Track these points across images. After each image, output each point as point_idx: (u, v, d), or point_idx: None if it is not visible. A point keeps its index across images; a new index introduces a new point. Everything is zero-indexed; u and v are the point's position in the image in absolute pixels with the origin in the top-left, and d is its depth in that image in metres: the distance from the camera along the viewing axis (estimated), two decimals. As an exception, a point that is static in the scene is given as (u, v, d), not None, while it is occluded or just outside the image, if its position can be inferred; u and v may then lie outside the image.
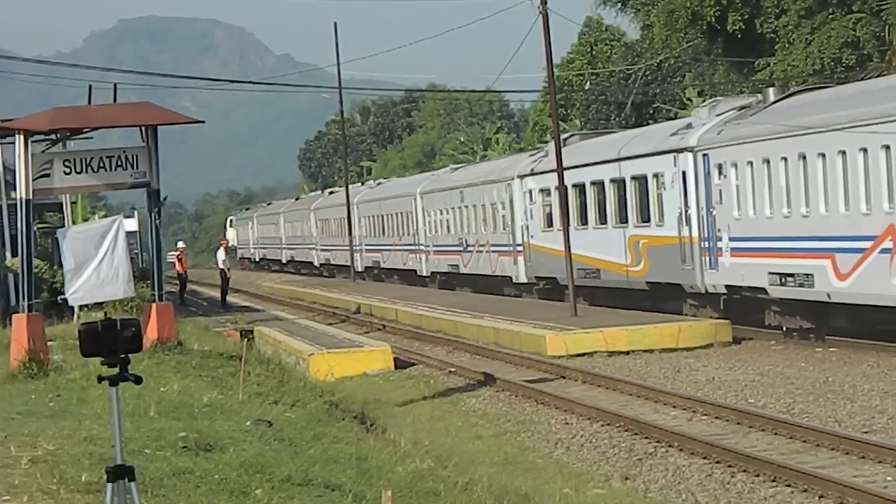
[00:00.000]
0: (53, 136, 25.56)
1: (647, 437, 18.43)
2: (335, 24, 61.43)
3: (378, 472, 13.06)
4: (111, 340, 7.48)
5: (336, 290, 53.95)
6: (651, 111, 65.30)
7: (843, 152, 25.64)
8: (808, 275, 27.01)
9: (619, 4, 60.88)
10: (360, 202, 65.97)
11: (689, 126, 32.96)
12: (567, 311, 33.61)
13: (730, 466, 16.10)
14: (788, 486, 14.89)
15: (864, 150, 24.97)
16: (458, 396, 24.20)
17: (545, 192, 41.18)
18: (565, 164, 35.28)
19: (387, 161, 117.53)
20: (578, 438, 19.13)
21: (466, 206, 49.59)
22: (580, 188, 38.14)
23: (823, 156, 26.30)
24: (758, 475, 15.50)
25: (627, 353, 28.51)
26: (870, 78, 35.58)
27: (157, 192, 23.14)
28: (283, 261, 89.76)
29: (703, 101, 60.13)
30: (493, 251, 46.50)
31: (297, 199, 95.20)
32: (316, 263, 77.84)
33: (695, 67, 60.28)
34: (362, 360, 28.61)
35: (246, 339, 27.06)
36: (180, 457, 12.48)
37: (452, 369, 27.98)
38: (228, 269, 55.53)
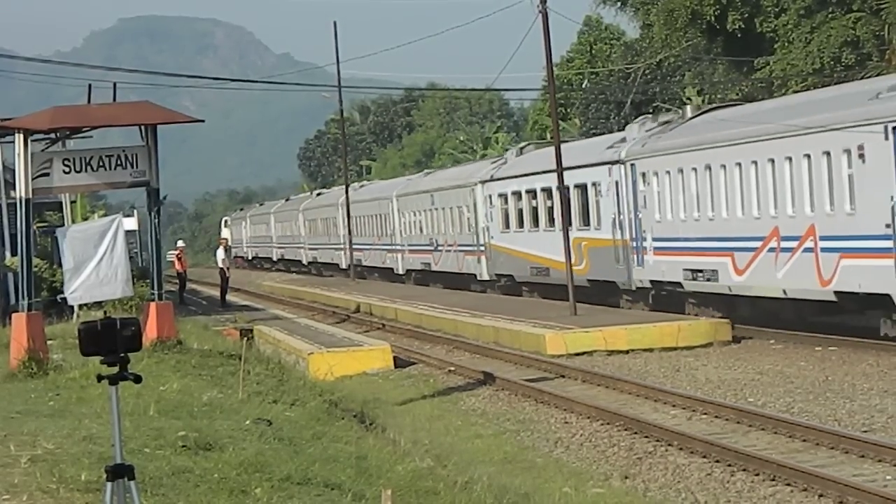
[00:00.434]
0: (53, 136, 25.59)
1: (646, 436, 18.43)
2: (335, 23, 61.45)
3: (378, 471, 13.06)
4: (111, 339, 7.48)
5: (336, 290, 53.95)
6: (650, 110, 65.27)
7: (739, 164, 29.56)
8: (713, 271, 30.76)
9: (619, 3, 60.84)
10: (343, 203, 68.02)
11: (622, 140, 36.52)
12: (567, 310, 33.62)
13: (729, 465, 16.10)
14: (788, 485, 14.89)
15: (755, 163, 28.94)
16: (458, 395, 24.21)
17: (503, 196, 44.98)
18: (521, 172, 40.81)
19: (386, 160, 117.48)
20: (578, 437, 19.13)
21: (436, 209, 53.08)
22: (532, 194, 42.05)
23: (724, 167, 30.20)
24: (757, 474, 15.50)
25: (627, 352, 28.51)
26: (870, 77, 35.68)
27: (157, 192, 23.15)
28: (274, 259, 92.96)
29: (703, 101, 60.30)
30: (460, 250, 50.04)
31: (286, 199, 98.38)
32: (304, 261, 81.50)
33: (694, 66, 60.27)
34: (362, 359, 28.61)
35: (245, 338, 27.13)
36: (180, 456, 12.48)
37: (452, 368, 27.98)
38: (228, 269, 55.53)
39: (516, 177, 43.98)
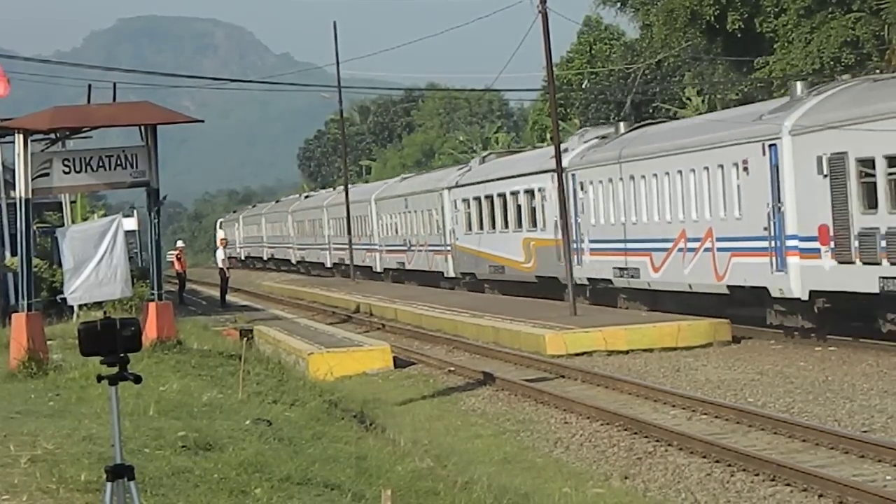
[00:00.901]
0: (53, 136, 25.58)
1: (646, 437, 18.43)
2: (334, 23, 61.46)
3: (377, 471, 13.06)
4: (110, 340, 7.47)
5: (335, 290, 53.97)
6: (650, 110, 65.29)
7: (655, 175, 33.87)
8: (636, 269, 34.98)
9: (619, 4, 60.88)
10: (329, 206, 74.17)
11: (565, 150, 39.21)
12: (566, 310, 33.63)
13: (729, 465, 16.10)
14: (788, 485, 14.89)
15: (668, 174, 33.22)
16: (458, 396, 24.21)
17: (466, 201, 49.56)
18: (481, 179, 46.18)
19: (386, 160, 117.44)
20: (578, 438, 19.13)
21: (410, 212, 57.45)
22: (490, 199, 46.56)
23: (644, 177, 34.53)
24: (757, 474, 15.50)
25: (627, 352, 28.52)
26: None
27: (157, 192, 23.13)
28: (265, 258, 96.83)
29: (703, 100, 60.31)
30: (430, 250, 54.46)
31: (277, 201, 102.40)
32: (293, 261, 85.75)
33: (694, 66, 60.29)
34: (362, 359, 28.60)
35: (245, 339, 27.13)
36: (179, 456, 12.48)
37: (452, 368, 27.98)
38: (228, 269, 55.50)
39: (477, 183, 48.18)
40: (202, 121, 25.88)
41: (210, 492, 11.02)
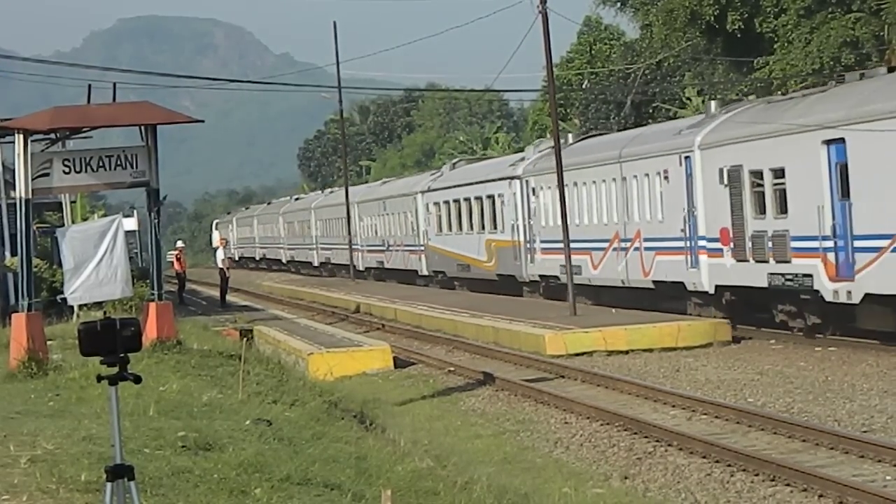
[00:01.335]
0: (53, 136, 25.59)
1: (646, 437, 18.43)
2: (334, 23, 61.43)
3: (377, 471, 13.06)
4: (110, 340, 7.47)
5: (335, 290, 54.02)
6: (650, 110, 65.30)
7: (594, 182, 37.84)
8: (579, 266, 37.55)
9: (619, 4, 60.82)
10: (316, 207, 78.56)
11: (522, 159, 45.01)
12: (566, 310, 33.64)
13: (729, 466, 16.10)
14: (788, 485, 14.89)
15: (604, 181, 37.12)
16: (458, 396, 24.20)
17: (437, 204, 53.49)
18: (451, 184, 51.08)
19: (386, 160, 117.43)
20: (578, 438, 19.13)
21: (388, 214, 61.34)
22: (458, 202, 50.53)
23: (585, 184, 38.47)
24: (757, 474, 15.50)
25: (627, 352, 28.52)
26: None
27: (157, 192, 23.14)
28: (257, 258, 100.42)
29: (703, 101, 60.25)
30: (406, 250, 58.40)
31: (268, 203, 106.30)
32: (283, 260, 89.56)
33: (694, 67, 60.26)
34: (361, 359, 28.60)
35: (245, 339, 27.12)
36: (179, 456, 12.48)
37: (452, 369, 27.98)
38: (228, 269, 55.47)
39: (447, 188, 52.25)
40: (202, 121, 25.88)
41: (210, 492, 11.02)
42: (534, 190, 42.31)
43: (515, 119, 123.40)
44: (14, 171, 24.56)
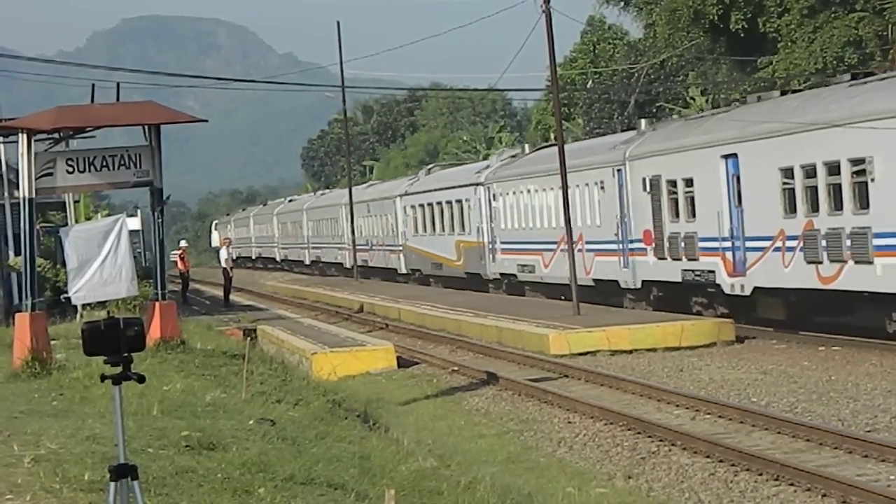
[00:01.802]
0: (56, 135, 25.52)
1: (650, 436, 18.43)
2: (338, 23, 61.37)
3: (381, 471, 13.06)
4: (114, 339, 7.47)
5: (339, 289, 54.02)
6: (654, 110, 65.27)
7: (545, 189, 41.76)
8: (532, 266, 42.97)
9: (622, 3, 60.87)
10: (307, 209, 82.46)
11: (487, 166, 50.12)
12: (570, 310, 33.62)
13: (733, 465, 16.10)
14: (791, 485, 14.89)
15: (553, 189, 39.73)
16: (461, 395, 24.20)
17: (414, 207, 57.72)
18: (425, 188, 55.57)
19: (389, 160, 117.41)
20: (581, 437, 19.13)
21: (371, 216, 65.20)
22: (431, 206, 54.72)
23: (537, 191, 42.72)
24: (761, 474, 15.49)
25: (630, 352, 28.52)
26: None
27: (160, 191, 23.13)
28: (253, 257, 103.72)
29: (706, 100, 60.23)
30: (387, 250, 62.69)
31: (264, 204, 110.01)
32: (278, 259, 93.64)
33: (697, 66, 60.29)
34: (365, 359, 28.59)
35: (249, 338, 27.08)
36: (183, 456, 12.48)
37: (455, 368, 27.97)
38: (231, 269, 55.45)
39: (422, 192, 56.24)
40: (206, 120, 25.89)
41: (213, 491, 11.02)
42: (495, 195, 46.79)
43: (519, 119, 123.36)
44: (17, 170, 24.57)
